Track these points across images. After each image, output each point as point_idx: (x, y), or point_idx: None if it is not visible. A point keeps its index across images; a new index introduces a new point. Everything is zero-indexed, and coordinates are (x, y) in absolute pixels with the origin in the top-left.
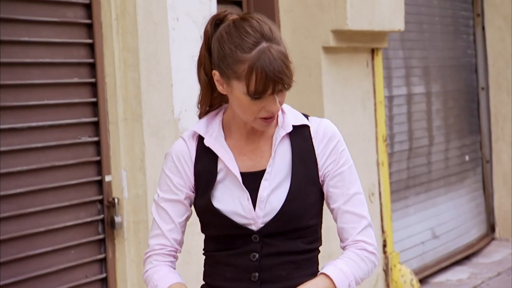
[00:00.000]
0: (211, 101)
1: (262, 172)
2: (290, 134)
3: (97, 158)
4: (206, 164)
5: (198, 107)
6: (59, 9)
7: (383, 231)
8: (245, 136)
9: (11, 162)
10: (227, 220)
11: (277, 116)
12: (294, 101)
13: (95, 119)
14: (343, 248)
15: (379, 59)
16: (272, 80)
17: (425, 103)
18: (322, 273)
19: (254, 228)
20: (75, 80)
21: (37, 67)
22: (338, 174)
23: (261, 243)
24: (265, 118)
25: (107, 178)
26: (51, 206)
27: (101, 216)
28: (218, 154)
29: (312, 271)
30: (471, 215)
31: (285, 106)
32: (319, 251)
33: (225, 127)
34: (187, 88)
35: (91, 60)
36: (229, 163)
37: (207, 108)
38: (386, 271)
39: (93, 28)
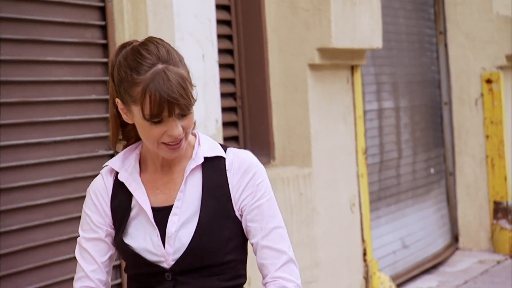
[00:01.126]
0: (124, 136)
1: (172, 207)
2: (203, 166)
3: None
4: (121, 200)
5: (109, 144)
6: (78, 30)
7: (363, 240)
8: (160, 169)
9: (40, 174)
10: (139, 258)
11: (193, 148)
12: (281, 116)
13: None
14: (264, 284)
15: (358, 76)
16: (166, 101)
17: (394, 118)
18: None
19: (166, 265)
20: (93, 97)
21: (59, 84)
22: (256, 207)
23: (173, 281)
24: (169, 145)
25: None
26: (73, 215)
27: None
28: (130, 189)
29: None
30: (437, 225)
31: (202, 137)
32: (241, 287)
33: (142, 162)
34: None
35: (107, 78)
36: (140, 198)
37: (124, 143)
38: (367, 278)
39: (108, 47)
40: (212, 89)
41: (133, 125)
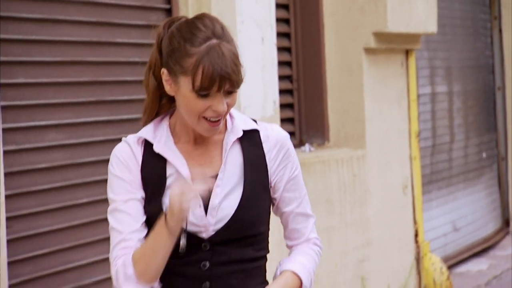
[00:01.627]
0: (158, 109)
1: (213, 177)
2: (240, 140)
3: None
4: (154, 169)
5: (143, 114)
6: (145, 13)
7: (415, 222)
8: (193, 141)
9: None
10: None
11: (226, 121)
12: (336, 99)
13: None
14: (294, 245)
15: (412, 60)
16: (219, 75)
17: (447, 102)
18: (288, 271)
19: (205, 236)
20: None
21: (127, 65)
22: (293, 178)
23: (211, 251)
24: (210, 121)
25: None
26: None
27: None
28: (169, 159)
29: (262, 279)
30: (488, 209)
31: (233, 111)
32: (266, 259)
33: (172, 132)
34: (252, 86)
35: None
36: (181, 168)
37: (153, 116)
38: (418, 259)
39: None
40: (270, 72)
41: (168, 99)
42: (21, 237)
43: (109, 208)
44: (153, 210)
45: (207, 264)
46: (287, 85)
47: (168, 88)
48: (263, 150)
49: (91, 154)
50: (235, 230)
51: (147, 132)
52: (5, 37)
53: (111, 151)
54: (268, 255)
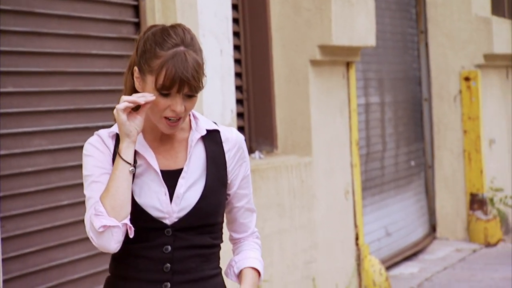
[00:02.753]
0: None
1: (178, 171)
2: (203, 138)
3: None
4: None
5: None
6: (116, 26)
7: (355, 226)
8: (159, 138)
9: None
10: (144, 213)
11: (190, 121)
12: (284, 108)
13: None
14: (241, 238)
15: (353, 72)
16: (179, 78)
17: (380, 112)
18: (249, 268)
19: (168, 222)
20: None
21: (100, 75)
22: (246, 176)
23: (173, 236)
24: (170, 121)
25: None
26: None
27: None
28: (140, 152)
29: (216, 264)
30: (416, 215)
31: (197, 113)
32: (220, 248)
33: (142, 130)
34: (212, 96)
35: None
36: (151, 160)
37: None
38: (359, 261)
39: None
40: (228, 82)
41: None
42: (13, 236)
43: (85, 185)
44: None
45: (169, 248)
46: (238, 95)
47: (137, 84)
48: (223, 149)
49: (72, 159)
50: (195, 218)
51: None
52: None
53: None
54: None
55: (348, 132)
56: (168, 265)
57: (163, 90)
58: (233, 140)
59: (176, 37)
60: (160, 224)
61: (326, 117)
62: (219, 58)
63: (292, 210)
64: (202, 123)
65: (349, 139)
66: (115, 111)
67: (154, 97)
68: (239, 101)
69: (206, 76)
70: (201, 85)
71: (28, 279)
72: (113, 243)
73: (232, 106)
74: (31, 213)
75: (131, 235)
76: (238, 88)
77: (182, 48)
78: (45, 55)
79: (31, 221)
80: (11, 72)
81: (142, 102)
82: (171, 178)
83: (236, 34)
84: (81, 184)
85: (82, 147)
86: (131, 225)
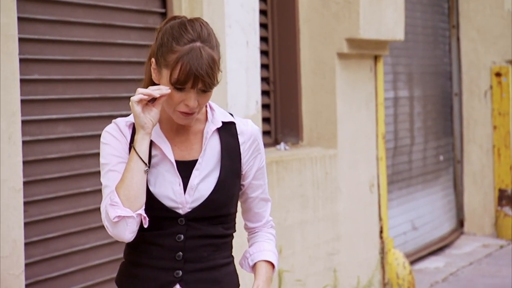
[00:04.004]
0: None
1: (193, 162)
2: (218, 130)
3: None
4: None
5: None
6: (142, 16)
7: (380, 219)
8: (175, 129)
9: None
10: (157, 202)
11: (206, 112)
12: (310, 100)
13: None
14: (255, 228)
15: (380, 65)
16: (193, 74)
17: (408, 106)
18: (263, 261)
19: (181, 212)
20: None
21: (127, 64)
22: (261, 168)
23: (186, 226)
24: (183, 112)
25: None
26: None
27: None
28: (156, 143)
29: (228, 253)
30: (444, 210)
31: (214, 105)
32: (233, 237)
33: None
34: (237, 87)
35: None
36: (166, 151)
37: None
38: (382, 254)
39: None
40: (253, 73)
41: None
42: (35, 221)
43: (102, 173)
44: None
45: (182, 236)
46: (264, 86)
47: (154, 76)
48: (238, 141)
49: (95, 146)
50: (208, 209)
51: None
52: (23, 37)
53: None
54: (234, 234)
55: (374, 125)
56: (180, 253)
57: (178, 85)
58: (248, 132)
59: (193, 32)
60: (173, 213)
61: (352, 110)
62: (245, 49)
63: (316, 201)
64: (218, 115)
65: (375, 132)
66: (130, 102)
67: (169, 90)
68: (265, 93)
69: (221, 72)
70: (215, 81)
71: (50, 264)
72: (127, 233)
73: (257, 97)
74: (54, 199)
75: (146, 225)
76: (265, 80)
77: (198, 43)
78: (71, 44)
79: (54, 206)
80: (37, 59)
81: (157, 95)
82: (185, 169)
83: (264, 25)
84: None
85: None
86: (145, 216)
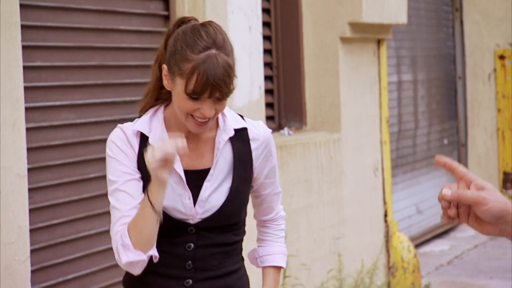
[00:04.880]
0: (158, 96)
1: (203, 171)
2: (230, 138)
3: None
4: None
5: (144, 97)
6: (144, 2)
7: (384, 202)
8: (186, 135)
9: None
10: (166, 215)
11: (218, 118)
12: (313, 85)
13: None
14: (266, 221)
15: (384, 49)
16: (211, 84)
17: (412, 90)
18: (271, 268)
19: (191, 221)
20: None
21: (128, 51)
22: (272, 167)
23: (196, 235)
24: (197, 121)
25: None
26: None
27: None
28: None
29: (238, 258)
30: None
31: (225, 109)
32: (243, 240)
33: (167, 125)
34: (240, 72)
35: None
36: (175, 163)
37: (153, 101)
38: (387, 238)
39: (169, 18)
40: (256, 59)
41: (168, 90)
42: (40, 207)
43: (110, 190)
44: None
45: (192, 245)
46: (267, 71)
47: (166, 83)
48: (250, 148)
49: (99, 132)
50: (219, 220)
51: (143, 124)
52: (26, 24)
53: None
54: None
55: (378, 109)
56: (190, 262)
57: (194, 95)
58: (260, 138)
59: (207, 38)
60: (183, 224)
61: (355, 94)
62: (248, 34)
63: (320, 186)
64: (230, 121)
65: (379, 116)
66: (148, 157)
67: (184, 141)
68: (269, 78)
69: (237, 77)
70: (232, 89)
71: (55, 250)
72: (137, 270)
73: (261, 83)
74: (58, 185)
75: (155, 261)
76: (268, 65)
77: (213, 51)
78: (73, 30)
79: (58, 193)
80: (40, 46)
81: (175, 156)
82: (196, 179)
83: (266, 11)
84: None
85: (108, 121)
86: (156, 254)
